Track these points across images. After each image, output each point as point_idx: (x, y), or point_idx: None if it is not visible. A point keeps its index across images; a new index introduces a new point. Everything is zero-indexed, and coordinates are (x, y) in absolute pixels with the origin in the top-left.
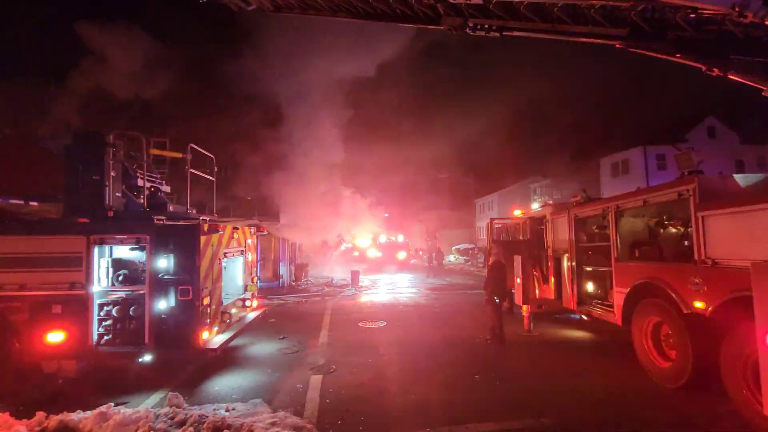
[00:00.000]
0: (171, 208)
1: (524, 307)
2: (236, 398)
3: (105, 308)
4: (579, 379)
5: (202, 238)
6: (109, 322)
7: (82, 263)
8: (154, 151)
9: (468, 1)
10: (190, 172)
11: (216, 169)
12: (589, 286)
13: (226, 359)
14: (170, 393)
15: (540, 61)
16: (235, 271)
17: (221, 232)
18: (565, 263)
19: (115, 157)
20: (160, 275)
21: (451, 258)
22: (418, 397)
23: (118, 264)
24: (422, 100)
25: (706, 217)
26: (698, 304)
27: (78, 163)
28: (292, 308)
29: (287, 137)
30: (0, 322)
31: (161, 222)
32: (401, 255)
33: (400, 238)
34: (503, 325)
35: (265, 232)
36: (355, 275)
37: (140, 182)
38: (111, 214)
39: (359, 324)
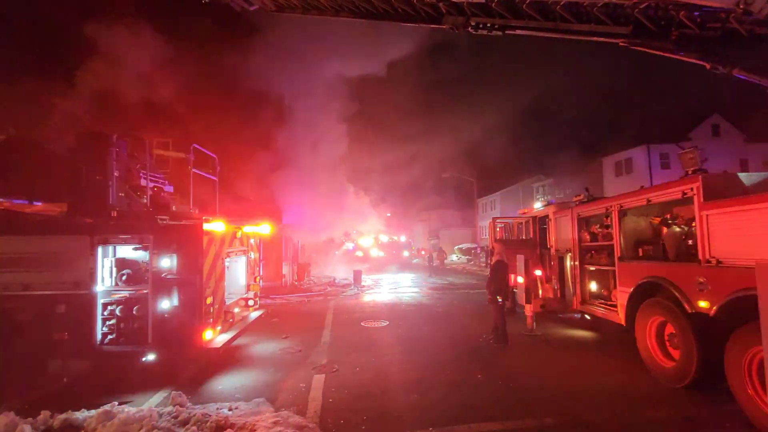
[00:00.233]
0: (174, 208)
1: (527, 307)
2: (239, 397)
3: (109, 308)
4: (582, 379)
5: (205, 238)
6: (112, 321)
7: (86, 263)
8: (157, 152)
9: (470, 0)
10: (193, 171)
11: (218, 168)
12: (593, 286)
13: (229, 358)
14: (173, 392)
15: (543, 60)
16: (237, 271)
17: (224, 232)
18: (568, 262)
19: (118, 158)
20: (163, 275)
21: (454, 257)
22: (421, 397)
23: (121, 264)
24: (425, 100)
25: (711, 216)
26: (702, 304)
27: (82, 164)
28: (294, 308)
29: (290, 136)
30: (5, 321)
31: (164, 222)
32: (404, 254)
33: (403, 237)
34: (506, 325)
35: (268, 232)
36: (357, 275)
37: (143, 182)
38: (114, 214)
39: (362, 323)
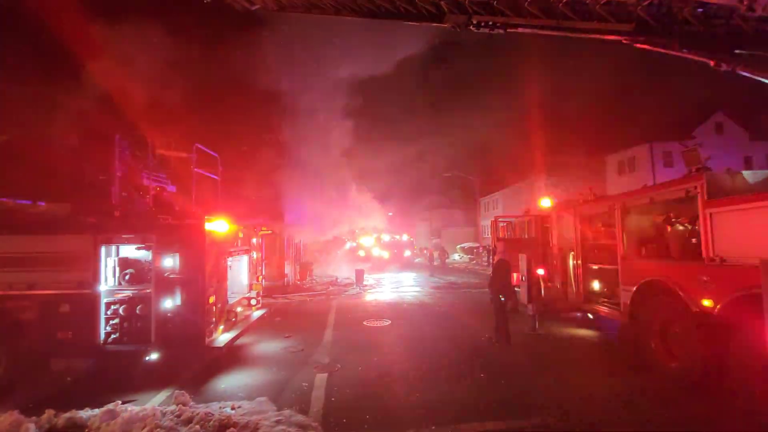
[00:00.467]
0: (176, 208)
1: (529, 306)
2: (242, 396)
3: (112, 307)
4: (585, 378)
5: (207, 238)
6: (116, 320)
7: (89, 262)
8: (160, 151)
9: None
10: (195, 171)
11: (221, 168)
12: (595, 285)
13: (231, 357)
14: (176, 391)
15: (545, 58)
16: (240, 270)
17: (226, 232)
18: (571, 261)
19: (121, 158)
20: (166, 274)
21: (456, 257)
22: (423, 396)
23: (124, 263)
24: (427, 99)
25: (714, 214)
26: (706, 302)
27: (85, 164)
28: (296, 307)
29: (292, 135)
30: (9, 320)
31: (167, 221)
32: (406, 254)
33: (405, 237)
34: (508, 324)
35: (270, 231)
36: (359, 274)
37: (146, 182)
38: (118, 213)
39: (364, 323)
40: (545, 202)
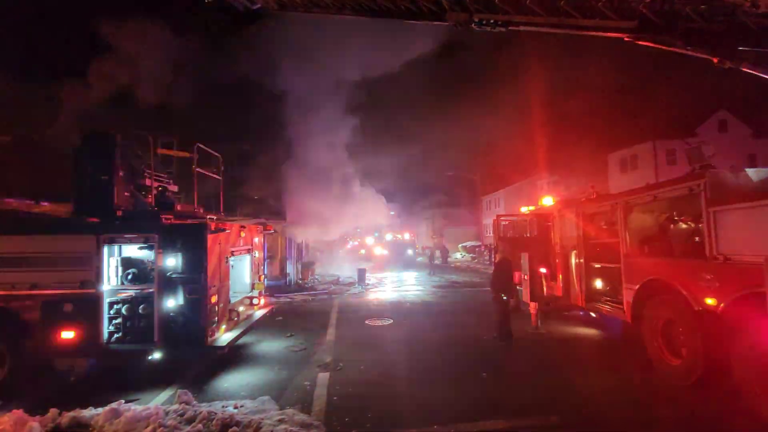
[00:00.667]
0: (179, 207)
1: (532, 305)
2: (245, 395)
3: (115, 307)
4: (588, 377)
5: (210, 237)
6: (119, 320)
7: (92, 262)
8: (162, 151)
9: None
10: (197, 171)
11: (223, 168)
12: (598, 283)
13: (234, 357)
14: (179, 390)
15: (546, 55)
16: (242, 270)
17: (228, 231)
18: (573, 260)
19: (123, 157)
20: (168, 274)
21: (458, 255)
22: (426, 395)
23: (127, 263)
24: (428, 98)
25: (718, 212)
26: (710, 301)
27: (87, 164)
28: (299, 306)
29: (295, 135)
30: (13, 320)
31: (169, 221)
32: (408, 253)
33: (407, 236)
34: (510, 323)
35: (272, 231)
36: (361, 273)
37: (148, 182)
38: (120, 213)
39: (366, 322)
40: (547, 201)
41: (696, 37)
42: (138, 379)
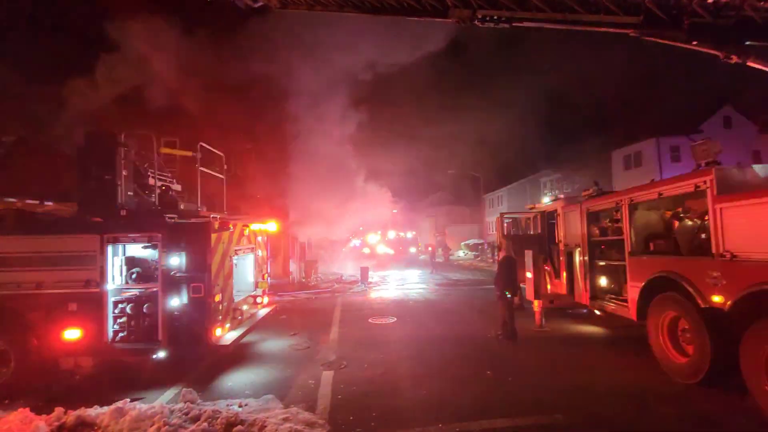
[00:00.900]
0: (182, 207)
1: (536, 303)
2: (249, 394)
3: (119, 306)
4: (592, 376)
5: (213, 236)
6: (123, 319)
7: (96, 262)
8: (165, 150)
9: None
10: (200, 170)
11: (226, 167)
12: (602, 281)
13: (238, 355)
14: (184, 389)
15: (550, 52)
16: (245, 268)
17: (232, 230)
18: (577, 258)
19: (126, 157)
20: (172, 273)
21: (461, 253)
22: (430, 393)
23: (131, 262)
24: (431, 95)
25: (725, 209)
26: (716, 299)
27: (90, 163)
28: (302, 305)
29: (298, 133)
30: (18, 319)
31: (173, 220)
32: (411, 251)
33: (410, 234)
34: (514, 321)
35: (276, 229)
36: (364, 272)
37: (151, 181)
38: (124, 213)
39: (369, 320)
40: (546, 201)
41: (702, 32)
42: (143, 378)
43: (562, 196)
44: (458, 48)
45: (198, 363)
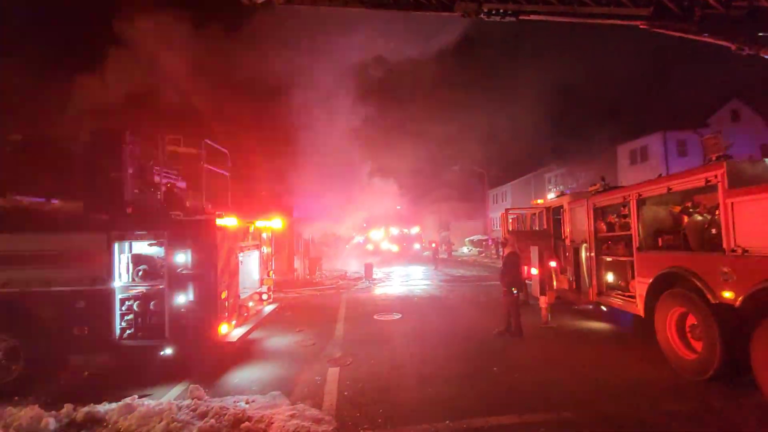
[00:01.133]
0: (187, 204)
1: (541, 299)
2: (255, 390)
3: (126, 303)
4: (600, 372)
5: (218, 233)
6: (130, 316)
7: (103, 259)
8: (169, 148)
9: None
10: (205, 167)
11: (230, 164)
12: (609, 277)
13: (244, 352)
14: (191, 385)
15: (555, 45)
16: (251, 265)
17: (237, 227)
18: (584, 253)
19: (132, 155)
20: (178, 270)
21: (465, 249)
22: (436, 389)
23: (137, 259)
24: (435, 90)
25: (736, 203)
26: (727, 294)
27: (97, 162)
28: (307, 301)
29: (301, 129)
30: (28, 317)
31: (178, 218)
32: (415, 247)
33: (413, 230)
34: (520, 317)
35: (280, 226)
36: (368, 268)
37: (157, 178)
38: (130, 210)
39: (374, 316)
40: (552, 195)
41: (713, 24)
42: (150, 375)
43: (568, 191)
44: (463, 43)
45: (204, 359)
